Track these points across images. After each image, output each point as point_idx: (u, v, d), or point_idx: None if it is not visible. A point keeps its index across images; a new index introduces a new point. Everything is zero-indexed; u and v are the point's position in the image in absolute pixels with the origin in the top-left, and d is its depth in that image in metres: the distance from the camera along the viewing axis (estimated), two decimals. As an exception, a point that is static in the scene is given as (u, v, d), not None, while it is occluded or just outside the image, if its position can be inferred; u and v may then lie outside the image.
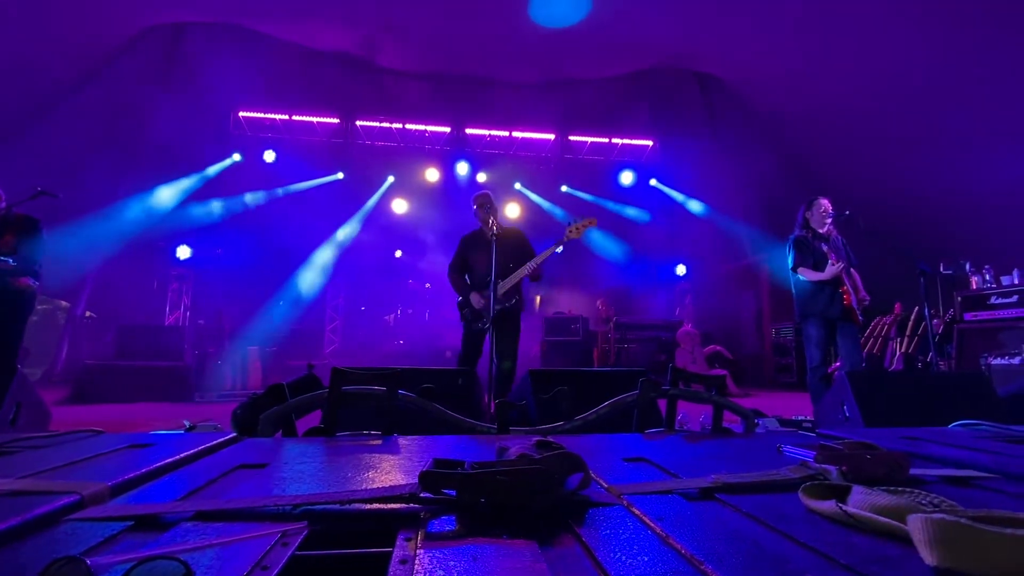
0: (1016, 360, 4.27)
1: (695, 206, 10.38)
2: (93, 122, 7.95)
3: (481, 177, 10.23)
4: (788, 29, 7.66)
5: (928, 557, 0.55)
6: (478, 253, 3.85)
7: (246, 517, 0.70)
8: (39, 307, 7.01)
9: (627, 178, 10.36)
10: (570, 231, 3.76)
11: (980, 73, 6.40)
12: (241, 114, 9.40)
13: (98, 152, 7.92)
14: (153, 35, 8.39)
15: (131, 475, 0.89)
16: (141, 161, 8.45)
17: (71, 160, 7.46)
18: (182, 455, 1.06)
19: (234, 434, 1.32)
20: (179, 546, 0.60)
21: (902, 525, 0.61)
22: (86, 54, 7.73)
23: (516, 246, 3.84)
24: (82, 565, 0.47)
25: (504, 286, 3.64)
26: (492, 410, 3.02)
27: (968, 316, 4.78)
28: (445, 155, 10.15)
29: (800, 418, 3.43)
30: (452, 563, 0.57)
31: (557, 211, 10.53)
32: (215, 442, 1.20)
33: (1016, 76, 6.14)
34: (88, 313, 8.02)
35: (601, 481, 0.91)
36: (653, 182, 10.48)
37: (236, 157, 9.33)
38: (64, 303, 7.66)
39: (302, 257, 9.42)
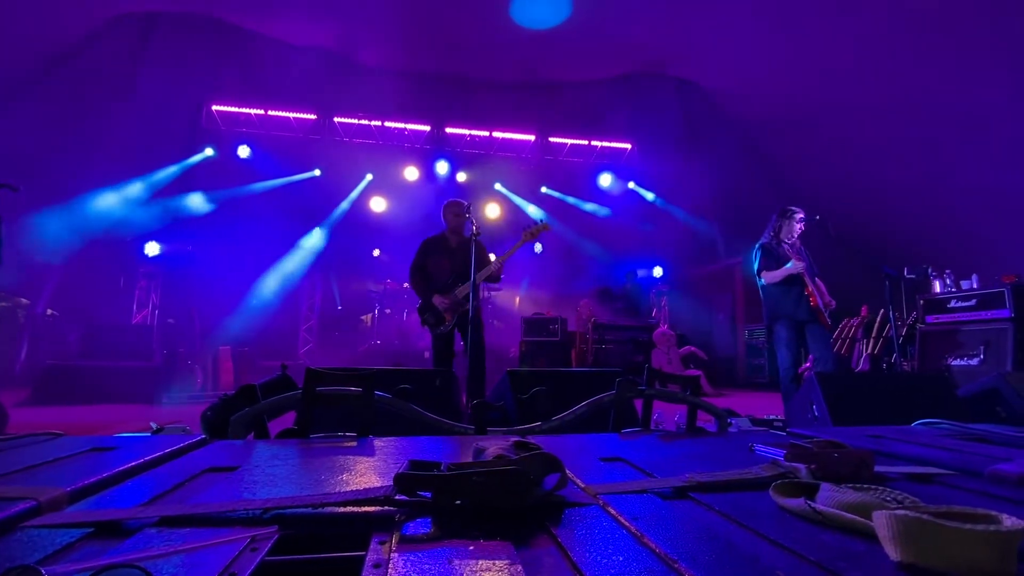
0: (975, 361, 4.45)
1: (672, 209, 10.54)
2: (58, 113, 7.65)
3: (461, 177, 10.20)
4: (763, 38, 7.84)
5: (892, 552, 0.57)
6: (439, 258, 3.94)
7: (214, 522, 0.68)
8: (-4, 304, 6.71)
9: (606, 180, 10.46)
10: (525, 235, 3.92)
11: (946, 84, 6.66)
12: (214, 108, 9.17)
13: (63, 144, 7.63)
14: (123, 24, 8.12)
15: (92, 480, 0.85)
16: (108, 154, 8.16)
17: (34, 152, 7.17)
18: (147, 458, 1.02)
19: (203, 436, 1.28)
20: (141, 553, 0.58)
21: (868, 521, 0.63)
22: (51, 42, 7.44)
23: (477, 255, 3.89)
24: (36, 574, 0.45)
25: (464, 290, 3.70)
26: (468, 410, 3.02)
27: (930, 319, 4.96)
28: (424, 154, 10.08)
29: (772, 417, 3.51)
30: (427, 566, 0.56)
31: (537, 212, 10.57)
32: (183, 445, 1.16)
33: (980, 85, 6.40)
34: (49, 311, 7.70)
35: (578, 481, 0.91)
36: (631, 185, 10.60)
37: (209, 152, 9.09)
38: (24, 300, 7.33)
39: (277, 255, 9.24)
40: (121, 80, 8.23)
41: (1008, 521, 0.55)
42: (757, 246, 4.07)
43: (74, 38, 7.68)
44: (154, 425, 2.19)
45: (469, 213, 3.81)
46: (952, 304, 4.79)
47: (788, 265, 3.79)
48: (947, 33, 6.23)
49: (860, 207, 8.34)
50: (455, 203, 3.99)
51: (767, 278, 3.93)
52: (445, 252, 3.93)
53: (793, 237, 3.98)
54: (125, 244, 8.05)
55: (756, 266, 4.02)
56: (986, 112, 6.52)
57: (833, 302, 3.88)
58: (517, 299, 10.21)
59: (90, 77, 7.87)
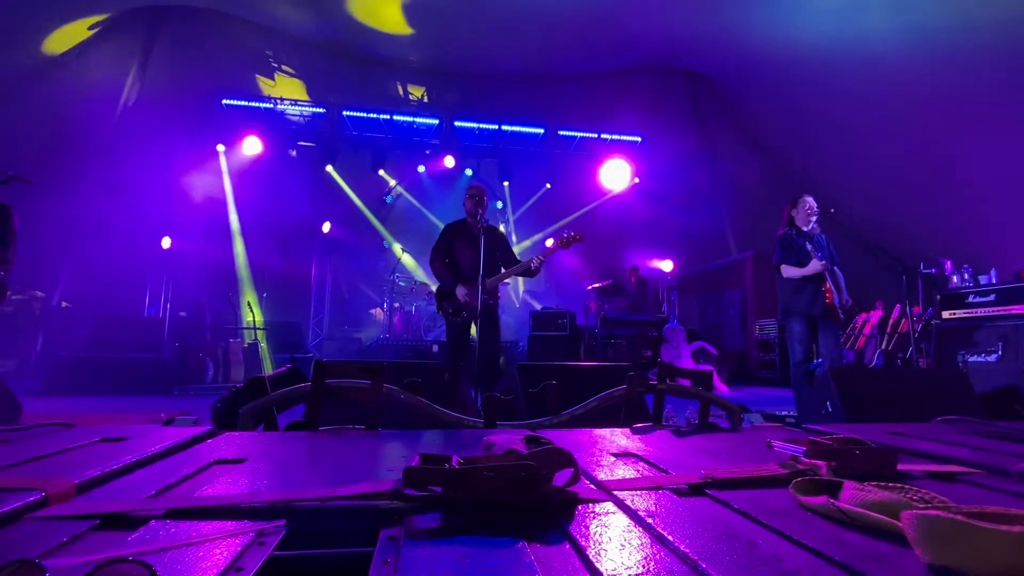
0: (992, 357, 4.36)
1: (682, 203, 10.43)
2: (69, 106, 7.71)
3: (469, 171, 10.18)
4: (774, 30, 7.71)
5: (922, 554, 0.55)
6: (464, 245, 3.83)
7: (221, 515, 0.67)
8: (13, 297, 6.81)
9: (615, 174, 10.35)
10: (559, 242, 3.84)
11: (962, 72, 6.50)
12: (224, 101, 9.19)
13: (74, 138, 7.70)
14: (133, 17, 8.16)
15: (100, 471, 0.85)
16: (120, 148, 8.24)
17: (45, 145, 7.24)
18: (156, 450, 1.02)
19: (211, 428, 1.28)
20: (147, 546, 0.57)
21: (895, 521, 0.61)
22: (60, 35, 7.47)
23: (498, 243, 3.84)
24: (37, 568, 0.44)
25: (493, 282, 3.63)
26: (478, 404, 3.00)
27: (947, 314, 4.87)
28: (433, 147, 10.06)
29: (784, 413, 3.47)
30: (437, 561, 0.55)
31: (545, 205, 10.54)
32: (191, 436, 1.16)
33: (998, 71, 6.24)
34: (64, 303, 7.82)
35: (590, 477, 0.89)
36: (640, 179, 10.50)
37: (220, 148, 9.14)
38: (39, 293, 7.44)
39: (287, 249, 9.29)
40: (129, 74, 8.28)
41: (1048, 523, 0.52)
42: (777, 239, 4.01)
43: (85, 32, 7.71)
44: (164, 416, 2.20)
45: (485, 198, 3.79)
46: (970, 299, 4.69)
47: (810, 265, 3.74)
48: (969, 34, 6.07)
49: (875, 200, 8.21)
50: (474, 187, 3.92)
51: (786, 273, 3.87)
52: (469, 240, 3.82)
53: (810, 224, 3.91)
54: (138, 238, 8.13)
55: (775, 259, 3.97)
56: (1006, 101, 6.36)
57: (850, 300, 3.82)
58: (521, 290, 10.20)
59: (100, 71, 7.92)
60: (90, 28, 7.52)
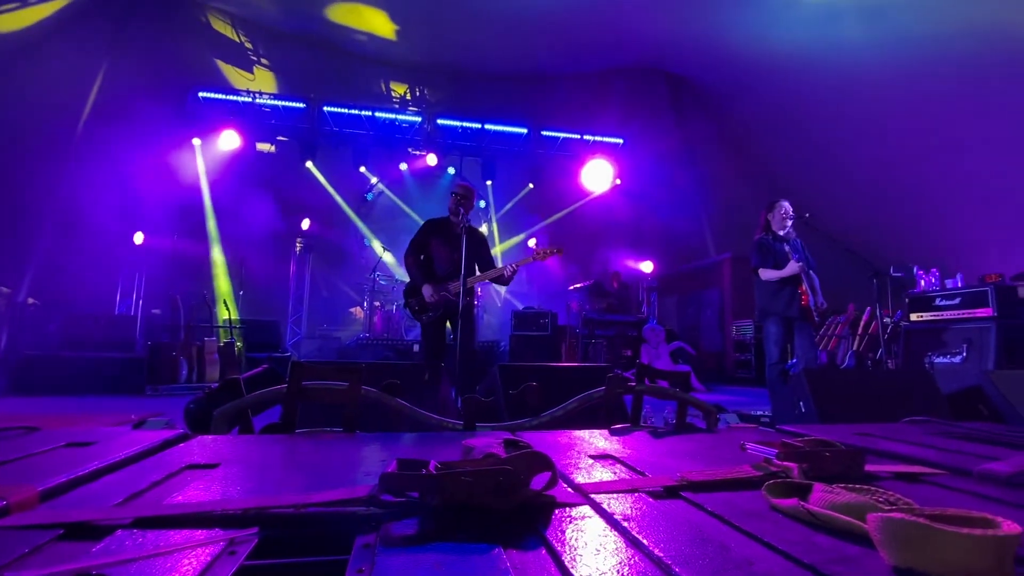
0: (957, 359, 4.52)
1: (662, 205, 10.55)
2: (37, 95, 7.44)
3: (452, 169, 10.14)
4: (755, 36, 7.85)
5: (888, 556, 0.56)
6: (441, 244, 3.81)
7: (190, 523, 0.66)
8: (-26, 293, 6.55)
9: (597, 174, 10.41)
10: (536, 254, 3.85)
11: (933, 84, 6.71)
12: (201, 94, 8.99)
13: (42, 130, 7.43)
14: (105, 6, 7.92)
15: (65, 478, 0.82)
16: (91, 139, 7.99)
17: (11, 137, 6.97)
18: (124, 455, 0.99)
19: (184, 432, 1.25)
20: (112, 557, 0.55)
21: (862, 524, 0.62)
22: (26, 20, 7.21)
23: (478, 245, 3.83)
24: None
25: (456, 286, 3.60)
26: (458, 405, 2.99)
27: (915, 317, 5.02)
28: (416, 145, 9.99)
29: (759, 413, 3.54)
30: (412, 570, 0.54)
31: (527, 205, 10.55)
32: (162, 440, 1.13)
33: (967, 84, 6.45)
34: (31, 300, 7.55)
35: (568, 480, 0.90)
36: (621, 180, 10.59)
37: (196, 142, 8.93)
38: (5, 289, 7.18)
39: (264, 245, 9.12)
40: (103, 63, 8.04)
41: (1005, 525, 0.54)
42: (754, 243, 4.08)
43: (50, 17, 7.45)
44: (135, 418, 2.14)
45: (471, 199, 3.77)
46: (937, 302, 4.85)
47: (788, 266, 3.82)
48: (943, 40, 6.27)
49: (849, 205, 8.42)
50: (459, 186, 3.88)
51: (764, 276, 3.94)
52: (447, 238, 3.80)
53: (786, 228, 4.00)
54: (109, 233, 7.90)
55: (753, 263, 4.04)
56: (974, 111, 6.58)
57: (825, 303, 3.90)
58: (503, 290, 10.20)
59: (70, 59, 7.66)
60: (53, 13, 7.25)
